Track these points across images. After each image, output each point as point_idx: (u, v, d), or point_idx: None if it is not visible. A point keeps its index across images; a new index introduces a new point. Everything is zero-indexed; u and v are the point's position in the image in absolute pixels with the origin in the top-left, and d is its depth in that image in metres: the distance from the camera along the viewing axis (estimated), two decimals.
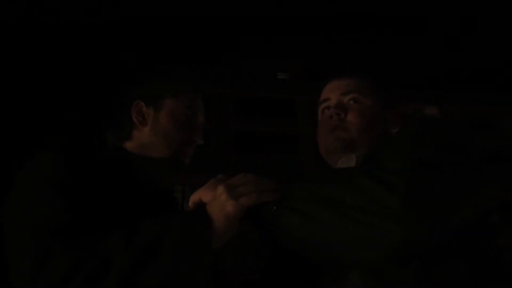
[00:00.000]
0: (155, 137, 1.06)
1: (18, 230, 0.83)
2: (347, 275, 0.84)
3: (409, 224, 0.72)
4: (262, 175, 0.87)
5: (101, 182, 0.91)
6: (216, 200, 0.82)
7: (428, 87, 23.75)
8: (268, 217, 0.82)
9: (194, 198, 0.87)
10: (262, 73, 23.56)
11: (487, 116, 22.27)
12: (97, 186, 0.90)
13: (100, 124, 1.12)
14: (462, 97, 23.39)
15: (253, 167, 21.01)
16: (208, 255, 0.79)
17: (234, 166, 20.74)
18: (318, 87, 1.14)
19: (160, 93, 1.10)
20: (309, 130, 22.03)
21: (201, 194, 0.86)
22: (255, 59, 24.07)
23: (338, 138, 1.01)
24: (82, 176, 0.89)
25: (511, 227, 0.83)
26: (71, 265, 0.74)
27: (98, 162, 0.96)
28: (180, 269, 0.77)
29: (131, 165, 1.02)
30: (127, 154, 1.05)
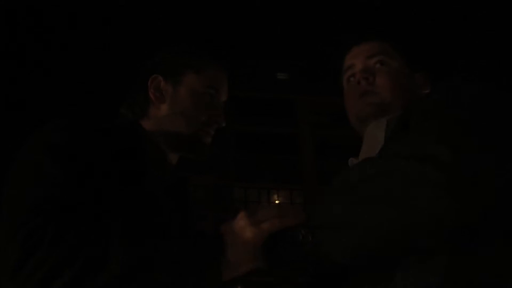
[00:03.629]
0: (174, 115, 0.98)
1: (10, 213, 0.75)
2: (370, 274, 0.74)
3: (459, 193, 0.64)
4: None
5: (108, 157, 0.82)
6: (235, 225, 0.77)
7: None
8: (294, 241, 0.75)
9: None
10: (262, 73, 23.53)
11: None
12: (102, 161, 0.80)
13: (114, 100, 1.03)
14: None
15: (253, 167, 20.98)
16: (218, 283, 0.73)
17: (234, 166, 20.71)
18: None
19: (180, 67, 1.01)
20: (309, 130, 22.02)
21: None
22: (255, 59, 24.05)
23: (369, 104, 0.95)
24: (86, 149, 0.80)
25: None
26: (57, 263, 0.67)
27: (106, 137, 0.86)
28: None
29: (144, 143, 0.92)
30: (142, 132, 0.95)
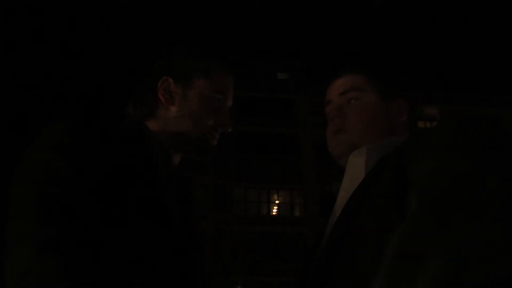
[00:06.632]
0: (182, 117, 0.98)
1: (21, 214, 0.73)
2: None
3: None
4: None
5: (115, 157, 0.82)
6: None
7: (428, 87, 23.73)
8: None
9: None
10: (262, 73, 23.56)
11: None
12: (109, 160, 0.81)
13: (121, 99, 1.02)
14: (462, 97, 23.37)
15: (253, 167, 20.99)
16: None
17: (234, 166, 20.72)
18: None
19: (191, 71, 1.01)
20: (309, 130, 22.03)
21: None
22: (255, 59, 24.08)
23: (340, 142, 0.98)
24: (93, 148, 0.81)
25: None
26: (69, 271, 0.67)
27: (112, 136, 0.86)
28: None
29: (150, 143, 0.92)
30: (147, 132, 0.94)
